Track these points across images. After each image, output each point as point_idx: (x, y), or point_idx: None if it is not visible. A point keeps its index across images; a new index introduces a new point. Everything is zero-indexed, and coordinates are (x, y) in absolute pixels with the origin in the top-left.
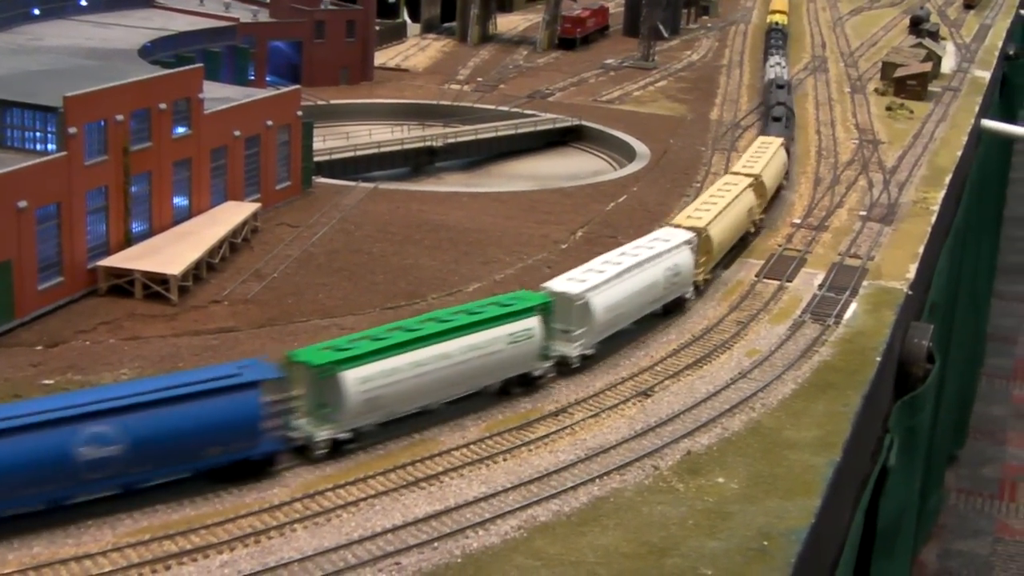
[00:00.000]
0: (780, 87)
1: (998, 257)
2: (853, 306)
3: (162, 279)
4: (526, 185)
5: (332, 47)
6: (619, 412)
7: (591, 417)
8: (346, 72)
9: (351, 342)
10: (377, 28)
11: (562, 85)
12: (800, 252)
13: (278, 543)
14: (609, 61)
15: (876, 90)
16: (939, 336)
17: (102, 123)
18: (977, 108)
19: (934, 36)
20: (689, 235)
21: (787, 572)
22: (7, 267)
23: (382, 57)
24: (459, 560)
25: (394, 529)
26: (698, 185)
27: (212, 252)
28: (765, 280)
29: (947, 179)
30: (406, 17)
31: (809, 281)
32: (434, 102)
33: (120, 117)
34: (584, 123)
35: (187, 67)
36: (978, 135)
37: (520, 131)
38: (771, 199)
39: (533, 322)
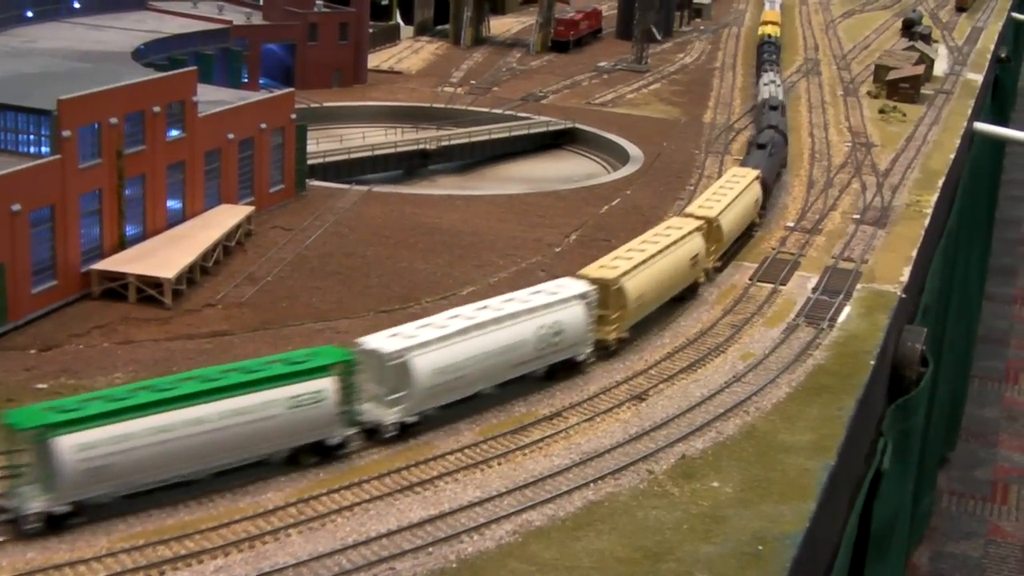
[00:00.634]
0: (773, 108)
1: (990, 259)
2: (847, 309)
3: (156, 283)
4: (520, 188)
5: (325, 49)
6: (614, 416)
7: (586, 421)
8: (339, 74)
9: (82, 402)
10: (370, 31)
11: (555, 88)
12: (794, 255)
13: (272, 548)
14: (602, 64)
15: (869, 93)
16: (932, 339)
17: (96, 126)
18: (969, 111)
19: (926, 39)
20: (586, 288)
21: None
22: (0, 270)
23: (375, 60)
24: (454, 565)
25: (389, 534)
26: (692, 188)
27: (206, 255)
28: (759, 283)
29: (940, 182)
30: (399, 19)
31: (803, 284)
32: (427, 105)
33: (114, 120)
34: (577, 126)
35: (181, 70)
36: (970, 138)
37: (513, 134)
38: (735, 245)
39: (325, 383)
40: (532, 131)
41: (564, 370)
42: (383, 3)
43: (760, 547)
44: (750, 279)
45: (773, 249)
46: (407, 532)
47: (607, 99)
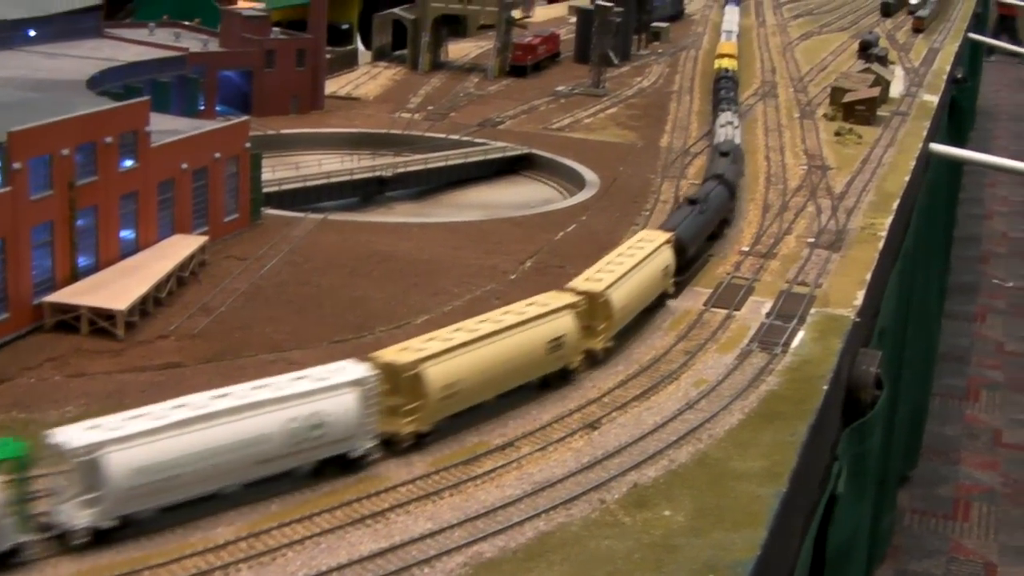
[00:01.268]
0: (723, 155)
1: (949, 278)
2: (801, 334)
3: (108, 315)
4: (476, 215)
5: (282, 76)
6: (566, 445)
7: (538, 450)
8: (296, 101)
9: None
10: (328, 56)
11: (513, 113)
12: (748, 280)
13: None
14: (560, 88)
15: (825, 115)
16: (890, 359)
17: (47, 157)
18: (925, 132)
19: (883, 61)
20: (365, 372)
21: None
22: None
23: (333, 85)
24: None
25: (339, 567)
26: (647, 213)
27: (159, 286)
28: (713, 309)
29: (895, 204)
30: (359, 44)
31: (757, 309)
32: (384, 131)
33: (65, 151)
34: (534, 151)
35: (133, 100)
36: (927, 159)
37: (470, 160)
38: (628, 327)
39: None
40: (489, 157)
41: (339, 467)
42: (343, 27)
43: None
44: (704, 305)
45: (727, 274)
46: (357, 565)
47: (564, 124)
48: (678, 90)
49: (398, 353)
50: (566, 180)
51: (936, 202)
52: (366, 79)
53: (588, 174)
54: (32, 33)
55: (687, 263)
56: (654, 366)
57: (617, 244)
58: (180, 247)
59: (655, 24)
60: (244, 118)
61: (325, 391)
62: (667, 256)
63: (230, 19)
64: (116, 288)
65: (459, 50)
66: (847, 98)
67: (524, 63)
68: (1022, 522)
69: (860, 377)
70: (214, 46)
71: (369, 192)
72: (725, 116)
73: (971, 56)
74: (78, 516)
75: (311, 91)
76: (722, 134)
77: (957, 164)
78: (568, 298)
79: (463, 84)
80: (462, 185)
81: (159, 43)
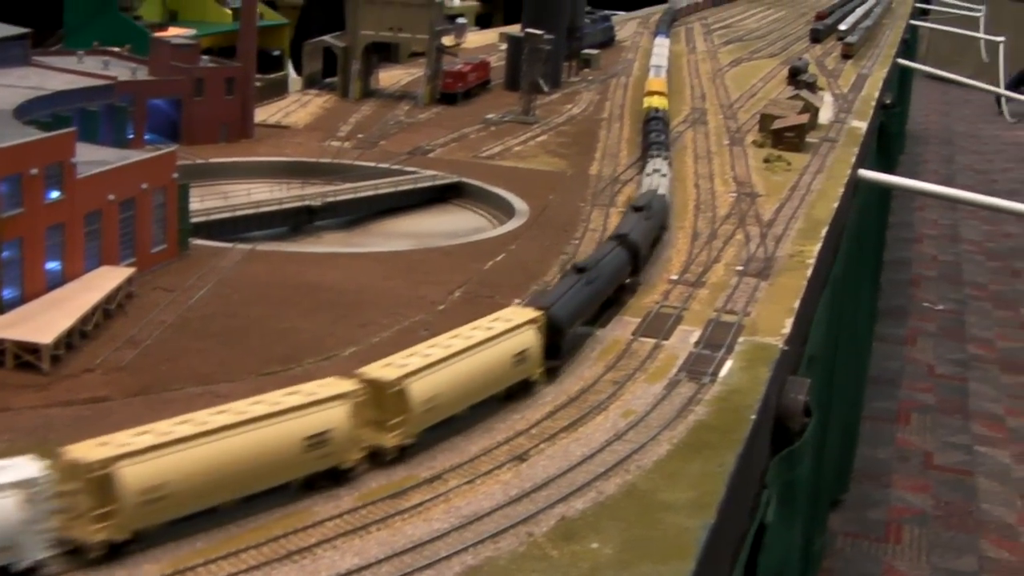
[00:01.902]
0: (637, 209)
1: (879, 302)
2: (729, 363)
3: (33, 348)
4: (405, 244)
5: (211, 104)
6: (494, 477)
7: (466, 483)
8: (226, 129)
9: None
10: (258, 84)
11: (443, 141)
12: (677, 309)
13: None
14: (490, 116)
15: (754, 142)
16: (821, 384)
17: None
18: (854, 158)
19: (812, 87)
20: (36, 473)
21: None
22: None
23: (263, 114)
24: None
25: None
26: (577, 242)
27: (85, 319)
28: (642, 338)
29: (823, 231)
30: (291, 70)
31: (685, 339)
32: (314, 159)
33: None
34: (464, 180)
35: (59, 131)
36: (855, 185)
37: (400, 189)
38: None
39: None
40: (418, 186)
41: None
42: (274, 54)
43: None
44: (633, 334)
45: (656, 303)
46: None
47: (495, 152)
48: (608, 117)
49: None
50: (496, 209)
51: (866, 227)
52: (296, 107)
53: (518, 203)
54: None
55: (563, 344)
56: (582, 396)
57: (546, 274)
58: (107, 279)
59: (586, 51)
60: (171, 148)
61: None
62: (528, 339)
63: (159, 47)
64: (41, 321)
65: (390, 77)
66: (776, 125)
67: (455, 91)
68: (953, 544)
69: (789, 405)
70: (143, 74)
71: (298, 222)
72: (653, 163)
73: (900, 81)
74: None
75: (240, 119)
76: (647, 183)
77: (887, 189)
78: (345, 387)
79: (393, 112)
80: (392, 214)
81: (88, 71)
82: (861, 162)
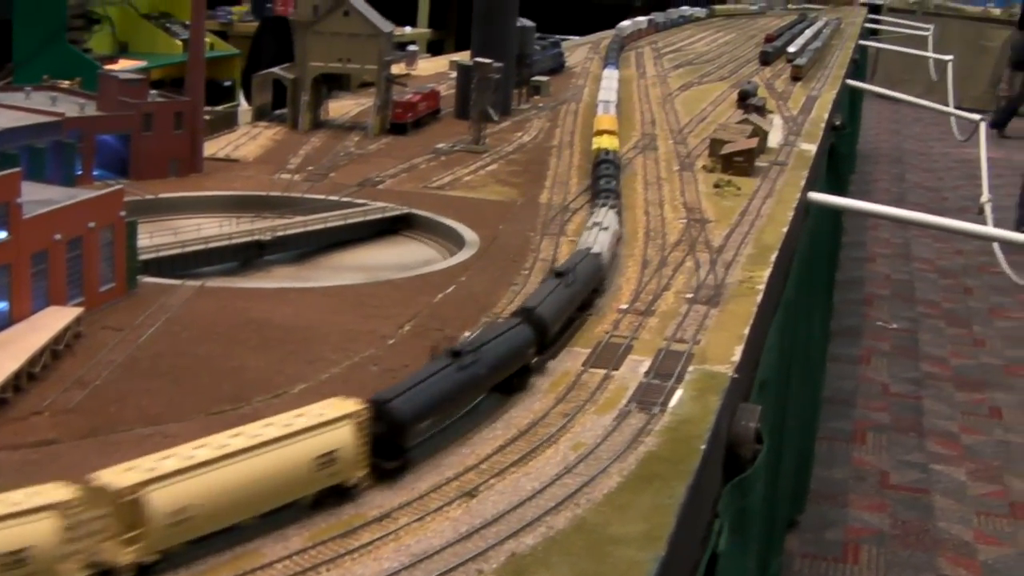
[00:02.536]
0: (559, 275)
1: (832, 322)
2: (679, 393)
3: None
4: (355, 277)
5: (160, 139)
6: (444, 514)
7: (416, 521)
8: (175, 164)
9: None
10: (207, 117)
11: (393, 172)
12: (627, 338)
13: None
14: (440, 145)
15: (704, 167)
16: (774, 408)
17: None
18: (803, 181)
19: (761, 110)
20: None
21: None
22: None
23: (213, 147)
24: None
25: None
26: (527, 272)
27: (33, 361)
28: (591, 369)
29: (773, 257)
30: (242, 100)
31: (635, 369)
32: (264, 193)
33: None
34: (414, 211)
35: (5, 172)
36: (806, 208)
37: (349, 221)
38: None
39: None
40: (368, 218)
41: None
42: (225, 84)
43: None
44: (583, 365)
45: (606, 333)
46: None
47: (445, 182)
48: (558, 144)
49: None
50: (446, 240)
51: (817, 250)
52: (246, 140)
53: (468, 233)
54: None
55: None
56: (532, 430)
57: (496, 305)
58: (55, 319)
59: (535, 78)
60: (118, 186)
61: None
62: (340, 438)
63: (107, 82)
64: None
65: (340, 108)
66: (725, 149)
67: (404, 121)
68: (911, 563)
69: (740, 433)
70: (91, 110)
71: (248, 256)
72: (597, 215)
73: (850, 102)
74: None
75: (190, 154)
76: (584, 240)
77: (838, 210)
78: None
79: (343, 143)
80: (342, 247)
81: (35, 108)
82: (811, 185)
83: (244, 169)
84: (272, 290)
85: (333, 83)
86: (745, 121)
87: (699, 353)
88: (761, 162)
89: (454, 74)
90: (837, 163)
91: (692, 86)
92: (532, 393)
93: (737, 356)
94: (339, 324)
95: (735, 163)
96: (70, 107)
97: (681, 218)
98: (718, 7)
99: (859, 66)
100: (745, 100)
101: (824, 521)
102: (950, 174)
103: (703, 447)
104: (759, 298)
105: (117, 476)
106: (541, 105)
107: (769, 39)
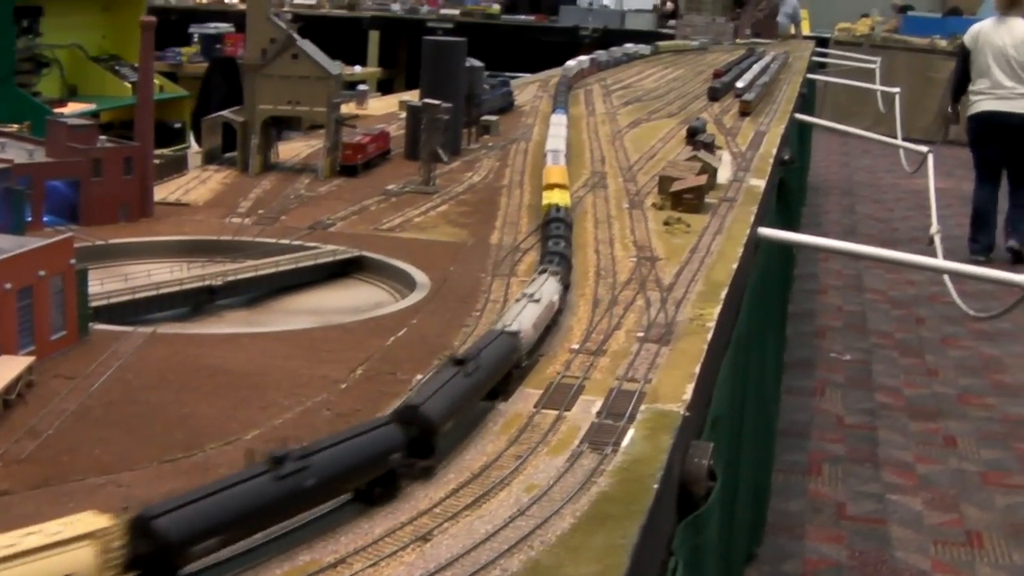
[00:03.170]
0: (457, 362)
1: (786, 354)
2: (631, 432)
3: None
4: (307, 322)
5: (110, 184)
6: (398, 559)
7: (370, 566)
8: (126, 209)
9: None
10: (157, 161)
11: (344, 214)
12: (578, 379)
13: None
14: (390, 187)
15: (654, 204)
16: (728, 444)
17: None
18: (752, 217)
19: (710, 147)
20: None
21: None
22: None
23: (163, 191)
24: None
25: None
26: (478, 314)
27: None
28: (543, 410)
29: (723, 293)
30: (192, 142)
31: (587, 409)
32: (215, 237)
33: None
34: (365, 253)
35: None
36: (756, 244)
37: (300, 265)
38: None
39: None
40: (319, 261)
41: None
42: (175, 126)
43: None
44: (535, 406)
45: (558, 373)
46: None
47: (395, 223)
48: (508, 184)
49: None
50: (397, 282)
51: (768, 284)
52: (196, 183)
53: (419, 275)
54: None
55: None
56: (485, 472)
57: (448, 347)
58: (6, 369)
59: (485, 118)
60: (69, 234)
61: None
62: (76, 562)
63: (56, 128)
64: None
65: (290, 150)
66: (675, 187)
67: (354, 162)
68: None
69: (692, 470)
70: (40, 156)
71: (200, 301)
72: (535, 283)
73: (799, 136)
74: None
75: (140, 199)
76: (509, 314)
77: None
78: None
79: (294, 185)
80: (294, 290)
81: None
82: (761, 220)
83: (195, 213)
84: (224, 336)
85: (283, 125)
86: (694, 158)
87: (651, 392)
88: (711, 199)
89: (404, 114)
90: (787, 197)
91: (641, 123)
92: (485, 435)
93: (688, 394)
94: (291, 369)
95: (684, 200)
96: (19, 153)
97: (631, 256)
98: (662, 44)
99: (807, 100)
100: (694, 136)
101: (782, 554)
102: (900, 205)
103: (656, 486)
104: (710, 335)
105: None
106: (491, 144)
107: (717, 75)
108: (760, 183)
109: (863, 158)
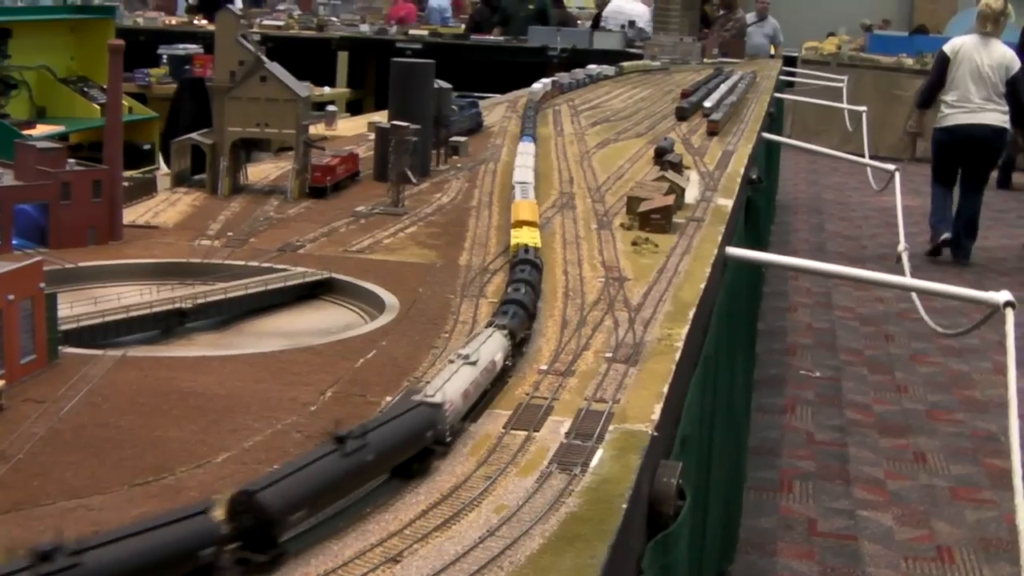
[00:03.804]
0: (338, 440)
1: (756, 372)
2: (600, 453)
3: None
4: (276, 344)
5: (79, 208)
6: None
7: None
8: (94, 232)
9: None
10: (126, 183)
11: (313, 236)
12: (547, 399)
13: None
14: (360, 208)
15: (622, 225)
16: (698, 463)
17: None
18: (720, 237)
19: (677, 167)
20: None
21: None
22: None
23: (132, 214)
24: None
25: None
26: (447, 335)
27: None
28: (513, 431)
29: (691, 313)
30: (161, 163)
31: (556, 430)
32: (184, 260)
33: None
34: (334, 276)
35: None
36: (724, 263)
37: (270, 287)
38: None
39: None
40: (289, 283)
41: None
42: (144, 148)
43: None
44: (504, 428)
45: (527, 394)
46: None
47: (364, 245)
48: (477, 205)
49: None
50: (366, 303)
51: (736, 304)
52: (165, 206)
53: (388, 297)
54: None
55: None
56: (455, 493)
57: (416, 369)
58: None
59: (454, 139)
60: (38, 257)
61: None
62: None
63: (24, 152)
64: None
65: (259, 172)
66: (643, 207)
67: (323, 184)
68: None
69: (661, 490)
70: (9, 179)
71: (170, 324)
72: (477, 341)
73: (767, 155)
74: None
75: (109, 221)
76: (438, 379)
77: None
78: None
79: (263, 207)
80: (263, 313)
81: None
82: (728, 239)
83: (164, 236)
84: (194, 359)
85: (252, 146)
86: (662, 178)
87: (619, 412)
88: (679, 218)
89: (373, 135)
90: (755, 216)
91: (609, 143)
92: (454, 457)
93: (657, 414)
94: (261, 392)
95: (652, 220)
96: None
97: (600, 277)
98: (626, 64)
99: (775, 119)
100: (662, 156)
101: (754, 571)
102: (868, 223)
103: (625, 506)
104: (678, 355)
105: None
106: (460, 166)
107: (685, 94)
108: (728, 202)
109: (831, 176)
